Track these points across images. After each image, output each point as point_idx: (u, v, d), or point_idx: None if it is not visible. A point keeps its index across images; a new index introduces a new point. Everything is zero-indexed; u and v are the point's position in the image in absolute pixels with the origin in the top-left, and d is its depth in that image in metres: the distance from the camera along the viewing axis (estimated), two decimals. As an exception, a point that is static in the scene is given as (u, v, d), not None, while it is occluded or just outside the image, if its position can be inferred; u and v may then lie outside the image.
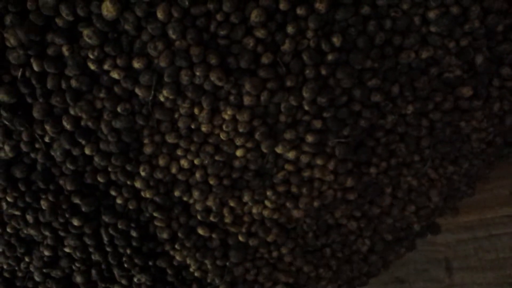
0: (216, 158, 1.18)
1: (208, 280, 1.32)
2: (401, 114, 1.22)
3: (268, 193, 1.22)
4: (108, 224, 1.25)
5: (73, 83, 1.07)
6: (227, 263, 1.28)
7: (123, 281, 1.35)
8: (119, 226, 1.25)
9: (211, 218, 1.24)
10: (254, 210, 1.22)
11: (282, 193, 1.22)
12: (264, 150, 1.16)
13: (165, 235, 1.27)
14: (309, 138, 1.16)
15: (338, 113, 1.14)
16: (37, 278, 1.41)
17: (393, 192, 1.37)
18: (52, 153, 1.18)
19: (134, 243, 1.27)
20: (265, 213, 1.24)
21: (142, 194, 1.25)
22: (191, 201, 1.25)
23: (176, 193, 1.24)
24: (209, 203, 1.22)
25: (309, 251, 1.38)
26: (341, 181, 1.25)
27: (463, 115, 1.28)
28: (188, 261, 1.30)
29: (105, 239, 1.26)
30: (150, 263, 1.30)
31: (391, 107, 1.18)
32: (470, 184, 1.55)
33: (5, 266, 1.41)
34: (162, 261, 1.31)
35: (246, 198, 1.22)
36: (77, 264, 1.33)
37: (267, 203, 1.23)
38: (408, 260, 1.67)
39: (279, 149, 1.16)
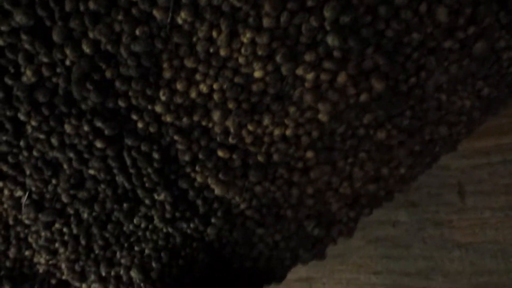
0: (235, 81, 1.19)
1: (229, 198, 1.37)
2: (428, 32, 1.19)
3: (290, 111, 1.23)
4: (131, 147, 1.29)
5: (91, 5, 1.07)
6: (246, 182, 1.33)
7: (147, 201, 1.41)
8: (142, 149, 1.29)
9: (231, 140, 1.27)
10: (276, 132, 1.25)
11: (303, 110, 1.23)
12: (284, 73, 1.16)
13: (186, 158, 1.31)
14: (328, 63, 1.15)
15: (362, 32, 1.12)
16: (64, 200, 1.48)
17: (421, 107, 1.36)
18: (73, 78, 1.20)
19: (156, 165, 1.32)
20: (287, 132, 1.26)
21: (163, 118, 1.27)
22: (210, 125, 1.28)
23: (195, 118, 1.26)
24: (228, 126, 1.25)
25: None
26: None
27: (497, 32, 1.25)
28: (209, 182, 1.34)
29: (128, 161, 1.30)
30: (172, 183, 1.35)
31: (419, 23, 1.15)
32: (494, 106, 1.53)
33: (33, 189, 1.47)
34: (183, 182, 1.36)
35: (266, 121, 1.24)
36: (102, 186, 1.39)
37: (287, 122, 1.24)
38: (422, 184, 1.71)
39: (299, 71, 1.16)
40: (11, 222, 1.62)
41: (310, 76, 1.17)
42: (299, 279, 2.26)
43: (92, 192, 1.43)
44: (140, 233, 1.56)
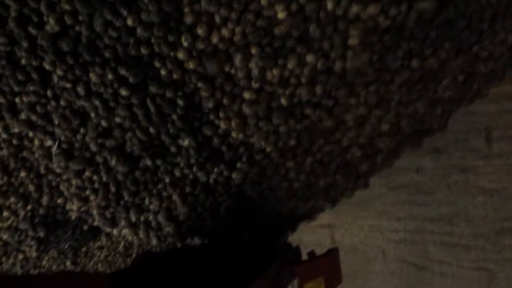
0: (257, 25, 1.17)
1: (253, 142, 1.39)
2: None
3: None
4: (155, 94, 1.30)
5: None
6: (271, 125, 1.33)
7: (172, 148, 1.44)
8: (166, 95, 1.30)
9: (254, 85, 1.27)
10: (305, 72, 1.24)
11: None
12: (308, 14, 1.14)
13: (209, 105, 1.32)
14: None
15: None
16: (93, 148, 1.52)
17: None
18: (95, 25, 1.20)
19: (180, 111, 1.33)
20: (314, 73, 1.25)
21: (186, 65, 1.27)
22: (233, 70, 1.27)
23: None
24: (252, 70, 1.24)
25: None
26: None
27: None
28: (233, 127, 1.35)
29: (152, 108, 1.32)
30: (196, 130, 1.37)
31: None
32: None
33: (62, 138, 1.51)
34: (207, 129, 1.38)
35: (290, 65, 1.23)
36: (128, 134, 1.42)
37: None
38: (448, 130, 1.69)
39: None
40: (42, 171, 1.68)
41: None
42: (321, 226, 2.30)
43: (119, 141, 1.46)
44: (167, 180, 1.60)
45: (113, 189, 1.67)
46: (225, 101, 1.30)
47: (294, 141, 1.41)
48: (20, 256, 2.07)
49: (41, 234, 1.91)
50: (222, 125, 1.36)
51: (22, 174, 1.69)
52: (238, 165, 1.45)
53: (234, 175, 1.48)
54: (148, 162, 1.51)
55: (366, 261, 2.26)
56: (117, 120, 1.38)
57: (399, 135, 1.54)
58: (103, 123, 1.40)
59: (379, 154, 1.57)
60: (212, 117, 1.36)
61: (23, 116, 1.46)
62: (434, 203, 1.91)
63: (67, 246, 2.02)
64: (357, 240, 2.23)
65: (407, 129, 1.52)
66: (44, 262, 2.24)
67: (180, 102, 1.31)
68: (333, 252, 1.61)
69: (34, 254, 2.02)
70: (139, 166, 1.55)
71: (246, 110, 1.31)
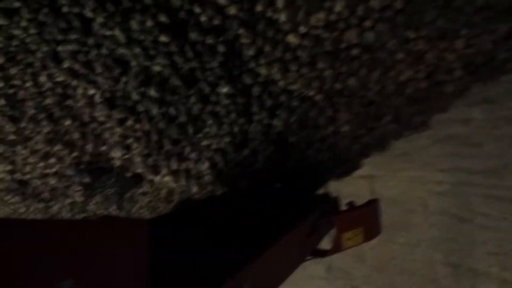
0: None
1: (295, 88, 1.36)
2: None
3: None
4: (195, 41, 1.28)
5: None
6: (315, 71, 1.29)
7: (212, 98, 1.43)
8: (206, 42, 1.27)
9: (299, 29, 1.22)
10: (359, 11, 1.18)
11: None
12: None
13: (250, 52, 1.28)
14: None
15: None
16: (134, 97, 1.53)
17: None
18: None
19: (220, 58, 1.30)
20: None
21: (226, 10, 1.23)
22: (275, 16, 1.22)
23: (259, 8, 1.21)
24: (296, 14, 1.19)
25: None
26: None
27: None
28: (274, 74, 1.32)
29: (192, 56, 1.30)
30: (235, 78, 1.34)
31: None
32: None
33: (105, 87, 1.53)
34: (247, 77, 1.35)
35: (338, 7, 1.16)
36: (168, 82, 1.41)
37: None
38: (500, 80, 1.59)
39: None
40: (86, 119, 1.72)
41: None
42: (361, 177, 2.28)
43: (159, 89, 1.46)
44: (207, 129, 1.60)
45: (155, 137, 1.69)
46: (267, 47, 1.26)
47: (340, 84, 1.36)
48: (68, 201, 2.16)
49: (87, 180, 1.98)
50: (263, 72, 1.33)
51: (67, 122, 1.73)
52: (279, 112, 1.42)
53: (275, 122, 1.45)
54: (188, 111, 1.51)
55: (406, 213, 2.24)
56: (157, 68, 1.37)
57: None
58: (143, 72, 1.39)
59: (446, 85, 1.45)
60: (252, 64, 1.33)
61: (66, 64, 1.47)
62: (481, 156, 1.84)
63: (111, 192, 2.10)
64: (398, 192, 2.20)
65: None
66: (90, 207, 2.34)
67: (221, 48, 1.28)
68: (373, 203, 1.59)
69: (80, 198, 2.11)
70: (179, 115, 1.56)
71: (289, 56, 1.27)
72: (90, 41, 1.35)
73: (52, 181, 2.02)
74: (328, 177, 1.81)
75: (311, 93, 1.35)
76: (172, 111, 1.54)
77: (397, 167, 2.18)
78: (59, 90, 1.61)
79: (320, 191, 1.79)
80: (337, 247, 1.44)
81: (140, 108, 1.57)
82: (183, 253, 1.13)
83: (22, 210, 2.48)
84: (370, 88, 1.37)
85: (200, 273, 0.98)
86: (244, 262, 0.94)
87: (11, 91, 1.62)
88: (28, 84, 1.58)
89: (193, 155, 1.77)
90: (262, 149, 1.61)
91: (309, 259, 1.37)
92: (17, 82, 1.58)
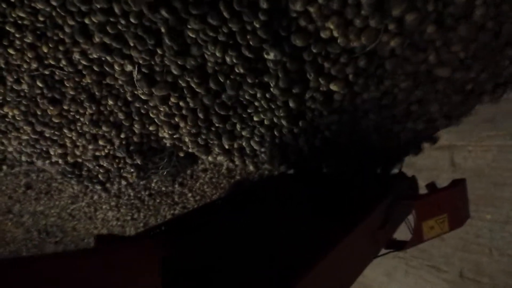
0: None
1: (363, 44, 1.09)
2: None
3: None
4: (231, -2, 1.06)
5: None
6: (383, 20, 1.03)
7: (259, 65, 1.22)
8: (246, -2, 1.05)
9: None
10: None
11: None
12: None
13: (298, 6, 1.04)
14: None
15: None
16: (174, 71, 1.36)
17: None
18: None
19: (262, 17, 1.08)
20: None
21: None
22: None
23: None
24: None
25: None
26: None
27: None
28: (332, 29, 1.07)
29: (228, 16, 1.08)
30: (282, 40, 1.11)
31: None
32: None
33: (141, 61, 1.37)
34: (297, 38, 1.12)
35: None
36: (207, 50, 1.22)
37: None
38: None
39: None
40: (129, 98, 1.58)
41: None
42: (439, 147, 1.97)
43: (198, 60, 1.27)
44: (256, 103, 1.40)
45: (201, 115, 1.52)
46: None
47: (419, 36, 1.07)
48: (123, 182, 2.08)
49: (139, 161, 1.87)
50: (317, 28, 1.09)
51: (110, 102, 1.61)
52: (340, 75, 1.17)
53: (333, 87, 1.21)
54: (232, 84, 1.31)
55: (492, 186, 1.91)
56: (191, 34, 1.17)
57: None
58: (178, 40, 1.21)
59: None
60: (303, 22, 1.09)
61: (96, 39, 1.33)
62: None
63: (165, 172, 1.98)
64: (483, 163, 1.87)
65: None
66: (153, 185, 2.26)
67: (264, 4, 1.05)
68: (459, 183, 1.31)
69: (135, 180, 2.02)
70: (225, 88, 1.37)
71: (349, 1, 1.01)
72: (116, 9, 1.18)
73: (105, 163, 1.93)
74: (402, 153, 1.54)
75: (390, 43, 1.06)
76: (214, 85, 1.35)
77: (481, 136, 1.84)
78: (95, 67, 1.48)
79: (394, 170, 1.53)
80: (418, 238, 1.19)
81: (182, 83, 1.40)
82: (248, 241, 1.00)
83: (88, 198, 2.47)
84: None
85: (267, 269, 0.86)
86: (311, 260, 0.78)
87: (46, 71, 1.51)
88: (63, 63, 1.47)
89: (245, 132, 1.59)
90: (322, 120, 1.38)
91: (384, 254, 1.15)
92: (51, 61, 1.47)
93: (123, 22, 1.22)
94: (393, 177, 1.45)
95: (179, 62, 1.31)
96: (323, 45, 1.12)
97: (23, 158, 2.07)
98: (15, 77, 1.56)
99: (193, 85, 1.37)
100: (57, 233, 3.73)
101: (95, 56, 1.43)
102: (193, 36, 1.17)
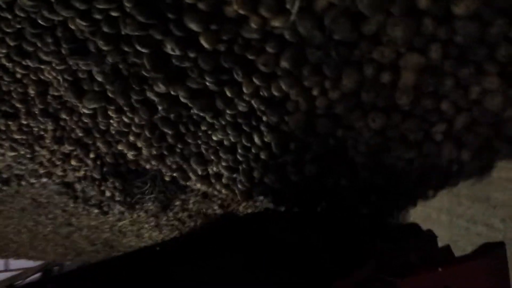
0: None
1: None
2: None
3: None
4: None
5: None
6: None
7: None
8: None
9: None
10: None
11: None
12: None
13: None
14: None
15: None
16: (98, 78, 1.07)
17: None
18: None
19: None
20: None
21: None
22: None
23: None
24: None
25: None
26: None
27: None
28: None
29: None
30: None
31: None
32: None
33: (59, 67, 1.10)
34: (190, 20, 0.75)
35: None
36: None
37: None
38: None
39: None
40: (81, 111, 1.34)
41: None
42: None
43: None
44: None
45: (147, 132, 1.22)
46: None
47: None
48: (119, 206, 1.86)
49: (118, 185, 1.63)
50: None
51: (64, 116, 1.39)
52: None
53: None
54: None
55: None
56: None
57: None
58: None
59: None
60: None
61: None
62: None
63: (152, 198, 1.71)
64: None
65: None
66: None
67: None
68: (491, 252, 0.80)
69: (123, 206, 1.79)
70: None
71: None
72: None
73: (88, 186, 1.72)
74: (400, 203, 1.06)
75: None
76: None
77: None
78: (33, 76, 1.26)
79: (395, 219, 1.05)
80: None
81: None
82: None
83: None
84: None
85: None
86: None
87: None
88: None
89: (212, 156, 1.24)
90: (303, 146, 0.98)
91: None
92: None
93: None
94: (392, 230, 0.97)
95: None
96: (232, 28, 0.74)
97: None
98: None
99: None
100: (119, 247, 3.71)
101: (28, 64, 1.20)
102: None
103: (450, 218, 1.68)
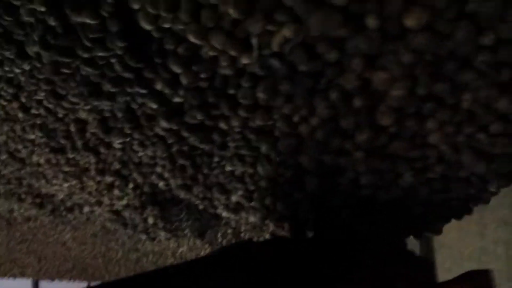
0: None
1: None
2: None
3: None
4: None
5: None
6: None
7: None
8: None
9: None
10: None
11: None
12: None
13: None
14: None
15: None
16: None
17: None
18: None
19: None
20: None
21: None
22: None
23: None
24: None
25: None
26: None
27: None
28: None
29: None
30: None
31: None
32: None
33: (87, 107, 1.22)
34: (173, 64, 0.82)
35: None
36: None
37: None
38: None
39: None
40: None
41: None
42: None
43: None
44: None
45: (169, 163, 1.29)
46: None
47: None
48: (162, 233, 1.96)
49: (156, 213, 1.72)
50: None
51: (102, 150, 1.51)
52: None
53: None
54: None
55: None
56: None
57: None
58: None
59: None
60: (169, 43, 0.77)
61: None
62: None
63: (189, 226, 1.79)
64: None
65: None
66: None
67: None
68: (474, 278, 0.76)
69: (165, 234, 1.88)
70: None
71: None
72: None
73: (131, 214, 1.84)
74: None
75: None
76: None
77: None
78: (71, 115, 1.40)
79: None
80: None
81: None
82: None
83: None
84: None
85: None
86: None
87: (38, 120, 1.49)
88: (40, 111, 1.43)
89: (229, 185, 1.29)
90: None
91: None
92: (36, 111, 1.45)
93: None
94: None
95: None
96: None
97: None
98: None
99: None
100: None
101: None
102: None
103: (506, 250, 1.57)
